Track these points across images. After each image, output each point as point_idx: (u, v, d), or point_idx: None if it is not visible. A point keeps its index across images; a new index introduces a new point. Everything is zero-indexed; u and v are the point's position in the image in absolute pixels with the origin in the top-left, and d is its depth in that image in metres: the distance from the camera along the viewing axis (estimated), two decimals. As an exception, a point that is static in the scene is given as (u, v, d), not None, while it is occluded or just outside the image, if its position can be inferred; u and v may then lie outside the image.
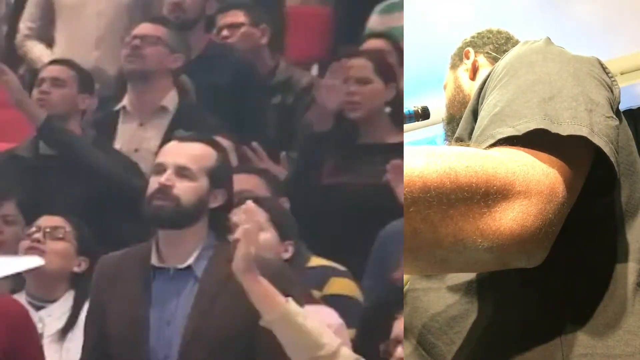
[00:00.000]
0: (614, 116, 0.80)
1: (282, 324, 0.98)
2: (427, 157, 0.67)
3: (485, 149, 0.75)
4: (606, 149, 0.74)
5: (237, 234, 1.00)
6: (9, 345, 1.14)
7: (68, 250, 1.30)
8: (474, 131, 0.85)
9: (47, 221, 1.30)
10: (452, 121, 1.45)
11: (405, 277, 1.04)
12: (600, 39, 3.23)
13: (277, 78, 1.61)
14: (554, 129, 0.73)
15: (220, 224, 1.15)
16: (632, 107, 3.90)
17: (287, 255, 1.23)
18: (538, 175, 0.70)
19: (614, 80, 0.89)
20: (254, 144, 1.45)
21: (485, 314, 0.84)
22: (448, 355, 0.84)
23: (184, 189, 1.13)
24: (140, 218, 1.23)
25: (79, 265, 1.31)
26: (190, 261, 1.11)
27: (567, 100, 0.77)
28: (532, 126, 0.74)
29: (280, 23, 1.66)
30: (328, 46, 1.72)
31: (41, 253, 1.26)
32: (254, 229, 0.99)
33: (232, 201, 1.17)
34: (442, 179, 0.65)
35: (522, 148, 0.73)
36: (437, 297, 0.90)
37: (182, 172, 1.13)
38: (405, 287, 0.97)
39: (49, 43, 1.85)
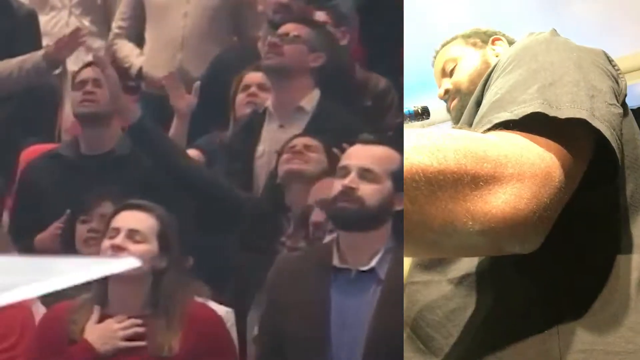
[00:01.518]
0: (618, 104, 0.79)
1: None
2: (416, 138, 0.66)
3: (482, 133, 0.73)
4: (607, 133, 0.72)
5: None
6: (196, 349, 1.13)
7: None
8: (475, 119, 0.84)
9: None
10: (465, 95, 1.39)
11: (405, 270, 1.03)
12: (600, 39, 3.20)
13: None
14: (552, 112, 0.72)
15: (402, 227, 1.13)
16: (632, 107, 3.88)
17: None
18: (533, 159, 0.68)
19: (619, 73, 0.88)
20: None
21: (483, 307, 0.83)
22: (446, 348, 0.83)
23: (368, 191, 1.11)
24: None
25: None
26: (373, 263, 1.10)
27: (568, 85, 0.76)
28: (530, 110, 0.72)
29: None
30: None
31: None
32: None
33: None
34: (430, 159, 0.64)
35: (519, 132, 0.72)
36: (438, 290, 0.88)
37: (366, 174, 1.12)
38: (404, 280, 0.96)
39: (139, 42, 1.85)
